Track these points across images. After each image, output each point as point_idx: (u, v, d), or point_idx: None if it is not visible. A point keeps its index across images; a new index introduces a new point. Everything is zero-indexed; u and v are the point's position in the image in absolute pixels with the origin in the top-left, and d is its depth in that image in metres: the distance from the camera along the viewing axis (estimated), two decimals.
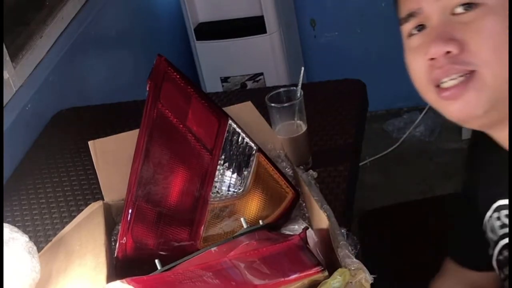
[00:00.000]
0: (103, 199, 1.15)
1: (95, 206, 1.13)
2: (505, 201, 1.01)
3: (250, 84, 2.85)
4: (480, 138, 1.02)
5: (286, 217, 1.09)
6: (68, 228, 1.15)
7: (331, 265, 0.88)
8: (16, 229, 1.08)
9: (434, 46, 0.89)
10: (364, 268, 0.86)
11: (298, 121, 1.41)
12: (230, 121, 1.10)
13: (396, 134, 3.02)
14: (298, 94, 1.39)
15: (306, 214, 1.10)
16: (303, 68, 1.44)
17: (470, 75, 0.89)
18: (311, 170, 1.20)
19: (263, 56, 2.79)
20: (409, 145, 2.97)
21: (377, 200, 2.61)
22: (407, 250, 1.49)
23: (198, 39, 2.82)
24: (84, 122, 1.85)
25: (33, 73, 1.86)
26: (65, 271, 1.05)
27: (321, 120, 1.63)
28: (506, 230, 1.02)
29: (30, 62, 1.85)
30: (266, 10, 2.70)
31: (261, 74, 2.84)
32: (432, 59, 0.91)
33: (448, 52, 0.89)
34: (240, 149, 1.09)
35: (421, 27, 0.93)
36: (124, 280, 0.81)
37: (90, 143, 1.21)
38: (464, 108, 0.91)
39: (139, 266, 0.96)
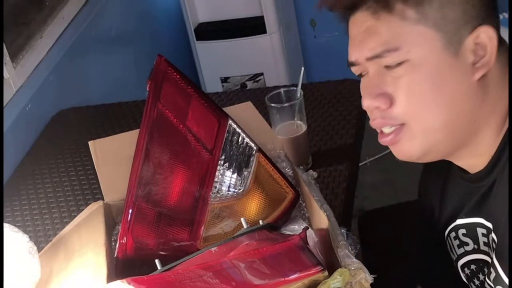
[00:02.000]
0: (103, 199, 1.15)
1: (95, 206, 1.13)
2: (464, 220, 1.03)
3: (250, 84, 2.85)
4: (431, 165, 1.06)
5: (286, 217, 1.09)
6: (68, 228, 1.15)
7: (331, 265, 0.88)
8: (16, 229, 1.08)
9: (365, 101, 0.95)
10: (364, 268, 0.86)
11: (298, 121, 1.41)
12: (230, 121, 1.10)
13: None
14: (298, 94, 1.39)
15: (306, 214, 1.10)
16: (303, 68, 1.44)
17: (400, 126, 0.94)
18: (311, 170, 1.20)
19: (263, 56, 2.79)
20: None
21: (377, 200, 2.61)
22: (406, 250, 1.49)
23: (198, 39, 2.82)
24: (84, 122, 1.85)
25: (33, 73, 1.86)
26: (65, 271, 1.05)
27: (321, 120, 1.63)
28: (463, 249, 1.05)
29: (30, 62, 1.85)
30: (266, 10, 2.71)
31: (261, 74, 2.84)
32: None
33: (378, 107, 0.93)
34: (240, 149, 1.09)
35: (363, 73, 0.97)
36: (124, 280, 0.81)
37: (90, 143, 1.21)
38: (401, 153, 0.97)
39: (139, 266, 0.96)
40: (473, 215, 1.01)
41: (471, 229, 1.02)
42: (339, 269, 0.85)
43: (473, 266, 1.05)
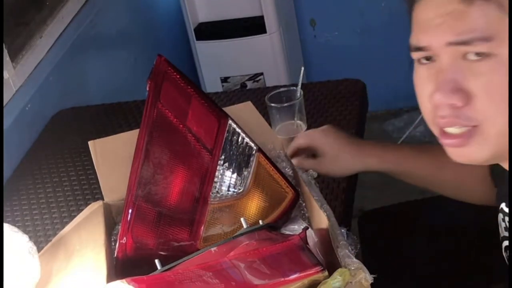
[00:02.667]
0: (103, 199, 1.15)
1: (95, 206, 1.13)
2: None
3: (250, 84, 2.85)
4: None
5: (286, 217, 1.09)
6: (68, 228, 1.15)
7: (331, 265, 0.88)
8: (16, 229, 1.08)
9: (438, 96, 0.86)
10: (364, 268, 0.86)
11: (298, 121, 1.41)
12: (230, 121, 1.10)
13: (396, 134, 3.02)
14: (298, 94, 1.39)
15: (306, 214, 1.10)
16: (303, 68, 1.44)
17: (473, 128, 0.86)
18: (311, 170, 1.20)
19: (263, 56, 2.79)
20: None
21: (377, 200, 2.61)
22: (407, 250, 1.49)
23: (198, 39, 2.81)
24: (84, 122, 1.85)
25: (33, 73, 1.86)
26: (65, 271, 1.05)
27: (321, 120, 1.63)
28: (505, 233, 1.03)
29: (30, 62, 1.85)
30: (266, 10, 2.70)
31: (261, 74, 2.84)
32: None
33: (452, 103, 0.86)
34: (240, 149, 1.09)
35: (430, 58, 0.89)
36: (124, 280, 0.81)
37: (90, 143, 1.21)
38: (465, 156, 0.90)
39: (139, 266, 0.96)
40: None
41: None
42: (339, 269, 0.85)
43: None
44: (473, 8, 0.83)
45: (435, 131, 0.92)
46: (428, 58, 0.89)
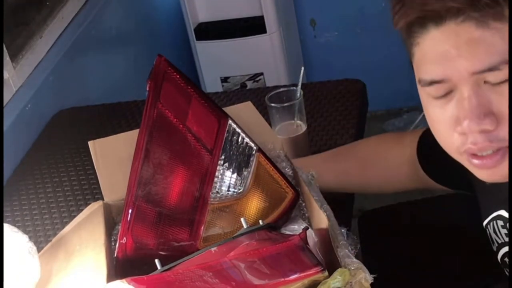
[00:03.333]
0: (103, 199, 1.15)
1: (95, 206, 1.13)
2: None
3: (250, 84, 2.85)
4: None
5: (286, 217, 1.09)
6: (68, 228, 1.15)
7: (331, 265, 0.88)
8: (16, 229, 1.08)
9: (469, 124, 0.84)
10: (364, 268, 0.86)
11: (298, 121, 1.41)
12: (230, 121, 1.10)
13: None
14: (298, 94, 1.39)
15: (306, 214, 1.10)
16: (303, 68, 1.44)
17: (505, 148, 0.86)
18: (311, 170, 1.20)
19: (263, 56, 2.79)
20: None
21: (377, 200, 2.61)
22: (407, 250, 1.49)
23: (198, 39, 2.82)
24: (84, 122, 1.85)
25: (33, 73, 1.86)
26: (65, 271, 1.05)
27: (321, 120, 1.63)
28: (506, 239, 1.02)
29: (30, 62, 1.85)
30: (266, 10, 2.71)
31: (261, 74, 2.84)
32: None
33: (485, 129, 0.84)
34: (240, 149, 1.09)
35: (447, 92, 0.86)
36: (124, 280, 0.81)
37: (90, 143, 1.21)
38: (494, 176, 0.89)
39: (139, 266, 0.96)
40: None
41: None
42: (339, 269, 0.85)
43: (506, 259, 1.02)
44: (490, 33, 0.82)
45: (463, 158, 0.90)
46: (437, 95, 0.87)
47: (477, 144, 0.85)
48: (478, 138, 0.85)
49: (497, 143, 0.85)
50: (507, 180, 0.90)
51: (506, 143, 0.85)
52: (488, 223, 1.06)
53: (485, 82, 0.83)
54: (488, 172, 0.88)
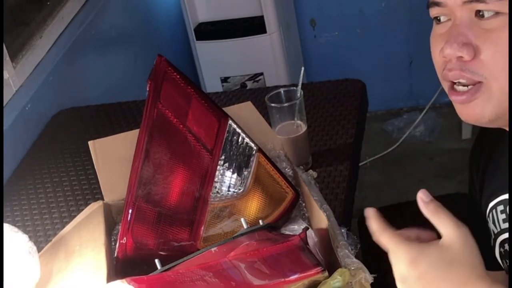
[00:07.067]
0: (103, 199, 1.15)
1: (95, 206, 1.13)
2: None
3: (250, 84, 2.85)
4: (488, 131, 1.03)
5: (286, 217, 1.09)
6: (68, 228, 1.15)
7: (331, 265, 0.88)
8: (16, 229, 1.08)
9: (448, 48, 0.90)
10: (364, 268, 0.86)
11: (298, 121, 1.41)
12: (230, 121, 1.10)
13: (396, 134, 3.02)
14: (298, 94, 1.39)
15: (306, 214, 1.10)
16: (303, 68, 1.44)
17: (478, 85, 0.90)
18: (311, 170, 1.20)
19: (263, 56, 2.79)
20: (409, 145, 2.97)
21: (377, 200, 2.61)
22: None
23: (198, 39, 2.82)
24: (84, 122, 1.85)
25: (33, 73, 1.86)
26: (65, 271, 1.05)
27: (321, 120, 1.63)
28: (507, 224, 1.02)
29: (30, 62, 1.85)
30: (266, 10, 2.71)
31: (261, 74, 2.84)
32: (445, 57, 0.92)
33: (460, 56, 0.89)
34: (240, 149, 1.09)
35: (445, 16, 0.93)
36: (124, 280, 0.81)
37: (90, 143, 1.21)
38: (471, 114, 0.93)
39: (139, 266, 0.96)
40: None
41: None
42: (339, 269, 0.85)
43: (506, 247, 1.02)
44: None
45: (445, 86, 0.95)
46: (438, 18, 0.93)
47: (452, 71, 0.91)
48: (454, 64, 0.91)
49: (469, 74, 0.90)
50: (481, 121, 0.94)
51: (478, 78, 0.89)
52: (490, 210, 1.05)
53: (476, 15, 0.89)
54: (461, 109, 0.93)
